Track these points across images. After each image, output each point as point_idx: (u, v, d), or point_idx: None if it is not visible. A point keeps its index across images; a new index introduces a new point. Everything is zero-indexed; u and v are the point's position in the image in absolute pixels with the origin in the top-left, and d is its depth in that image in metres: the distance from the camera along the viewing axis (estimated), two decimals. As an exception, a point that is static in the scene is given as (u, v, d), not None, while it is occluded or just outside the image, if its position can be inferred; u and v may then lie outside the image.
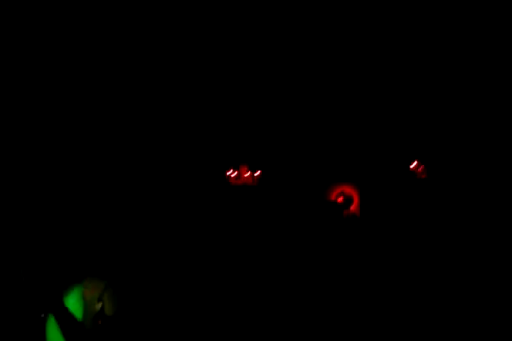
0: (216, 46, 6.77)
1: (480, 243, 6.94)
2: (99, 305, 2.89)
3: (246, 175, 7.71)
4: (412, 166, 7.44)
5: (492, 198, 7.10)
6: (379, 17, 6.20)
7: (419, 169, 7.42)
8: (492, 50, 6.45)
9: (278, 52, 6.86)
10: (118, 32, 6.44)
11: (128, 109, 7.24)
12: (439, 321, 6.14)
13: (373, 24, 6.35)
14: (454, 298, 6.23)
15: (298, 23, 6.37)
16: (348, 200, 7.64)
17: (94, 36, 6.46)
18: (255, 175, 7.74)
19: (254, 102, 7.67)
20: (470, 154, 7.32)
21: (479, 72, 6.77)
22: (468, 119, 7.20)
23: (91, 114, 7.20)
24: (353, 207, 7.63)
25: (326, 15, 6.19)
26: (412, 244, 7.25)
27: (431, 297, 6.41)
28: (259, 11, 6.10)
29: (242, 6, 6.02)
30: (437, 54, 6.76)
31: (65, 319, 2.78)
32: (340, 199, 7.69)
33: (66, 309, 2.80)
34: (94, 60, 6.73)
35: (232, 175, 7.74)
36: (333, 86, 7.34)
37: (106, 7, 6.10)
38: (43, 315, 2.89)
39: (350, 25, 6.40)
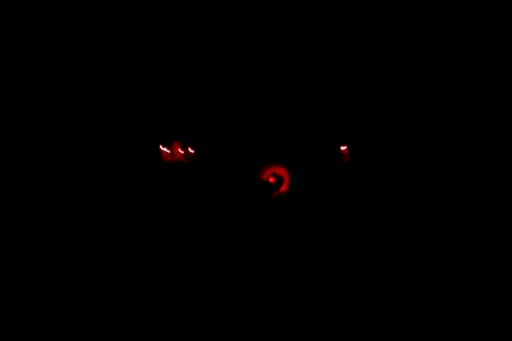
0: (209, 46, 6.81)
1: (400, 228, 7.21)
2: None
3: (179, 152, 7.72)
4: (342, 149, 7.63)
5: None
6: (379, 17, 6.32)
7: (347, 152, 7.62)
8: (492, 51, 6.66)
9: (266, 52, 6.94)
10: (118, 32, 6.41)
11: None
12: (433, 320, 6.35)
13: (373, 24, 6.47)
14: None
15: (298, 23, 6.45)
16: (279, 181, 7.77)
17: (94, 36, 6.42)
18: (188, 152, 7.76)
19: (194, 77, 7.70)
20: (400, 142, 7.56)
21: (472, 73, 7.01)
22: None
23: (88, 113, 7.15)
24: (283, 188, 7.76)
25: (326, 15, 6.28)
26: (339, 225, 7.46)
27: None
28: (259, 10, 6.15)
29: (242, 6, 6.06)
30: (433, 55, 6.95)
31: None
32: (271, 180, 7.81)
33: None
34: (94, 60, 6.70)
35: (165, 152, 7.73)
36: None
37: (106, 7, 6.06)
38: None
39: (350, 25, 6.51)
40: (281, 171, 7.86)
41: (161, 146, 7.71)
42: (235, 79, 7.73)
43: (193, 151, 7.78)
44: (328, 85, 7.59)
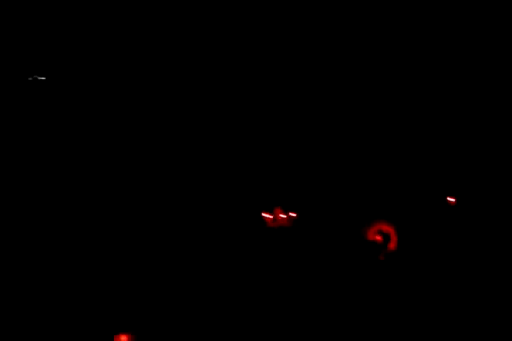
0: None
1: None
2: None
3: (281, 217, 7.70)
4: (448, 201, 7.41)
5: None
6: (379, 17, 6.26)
7: (454, 202, 7.39)
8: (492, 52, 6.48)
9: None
10: (118, 32, 6.47)
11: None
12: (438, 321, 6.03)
13: (373, 25, 6.41)
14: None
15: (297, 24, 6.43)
16: (386, 238, 7.57)
17: (94, 36, 6.49)
18: (290, 216, 7.72)
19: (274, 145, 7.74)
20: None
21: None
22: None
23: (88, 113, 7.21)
24: (391, 245, 7.54)
25: (325, 15, 6.25)
26: (452, 276, 7.16)
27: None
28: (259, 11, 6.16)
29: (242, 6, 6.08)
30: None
31: None
32: (378, 238, 7.61)
33: None
34: (94, 60, 6.75)
35: (268, 218, 7.73)
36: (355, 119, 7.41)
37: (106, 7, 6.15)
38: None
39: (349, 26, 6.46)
40: (387, 228, 7.66)
41: (263, 213, 7.71)
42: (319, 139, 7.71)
43: (294, 215, 7.73)
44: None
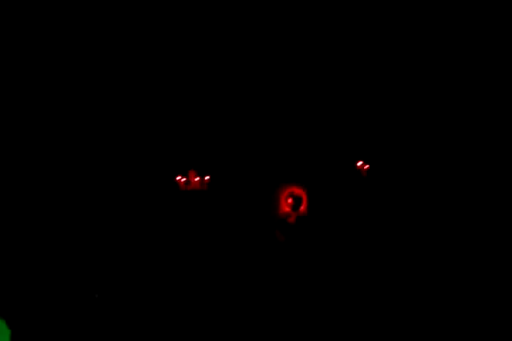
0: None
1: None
2: None
3: (196, 180, 7.73)
4: (358, 165, 7.59)
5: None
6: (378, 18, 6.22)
7: (365, 168, 7.57)
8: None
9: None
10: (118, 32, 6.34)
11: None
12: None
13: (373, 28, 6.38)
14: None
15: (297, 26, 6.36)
16: (298, 201, 7.74)
17: (94, 36, 6.35)
18: (205, 179, 7.77)
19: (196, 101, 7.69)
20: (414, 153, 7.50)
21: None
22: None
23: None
24: (302, 208, 7.74)
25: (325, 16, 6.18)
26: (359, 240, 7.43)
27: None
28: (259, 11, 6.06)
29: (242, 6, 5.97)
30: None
31: None
32: (289, 201, 7.78)
33: None
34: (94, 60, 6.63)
35: (182, 181, 7.75)
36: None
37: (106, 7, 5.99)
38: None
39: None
40: (299, 191, 7.83)
41: (177, 178, 7.72)
42: (244, 96, 7.69)
43: (208, 177, 7.78)
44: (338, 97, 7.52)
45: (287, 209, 7.80)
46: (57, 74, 6.96)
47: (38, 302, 6.50)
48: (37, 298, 6.54)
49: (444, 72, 7.09)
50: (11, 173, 7.13)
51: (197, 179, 7.76)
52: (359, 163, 7.59)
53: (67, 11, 6.64)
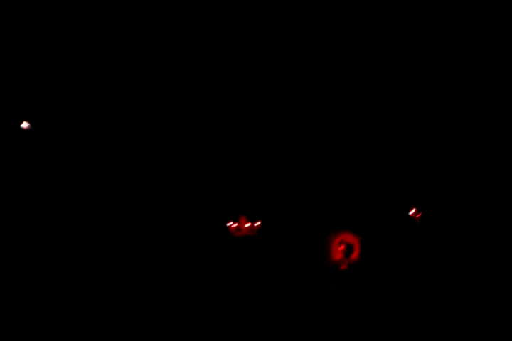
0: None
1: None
2: None
3: (246, 226, 7.72)
4: (410, 213, 7.52)
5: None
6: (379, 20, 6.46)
7: (418, 216, 7.49)
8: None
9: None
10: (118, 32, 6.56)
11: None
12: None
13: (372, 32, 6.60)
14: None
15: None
16: (350, 248, 7.57)
17: (94, 36, 6.57)
18: (255, 225, 7.75)
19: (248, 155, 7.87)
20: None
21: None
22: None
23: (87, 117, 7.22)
24: (354, 255, 7.54)
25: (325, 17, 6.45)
26: (415, 288, 7.13)
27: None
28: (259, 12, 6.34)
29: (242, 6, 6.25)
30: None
31: None
32: (341, 248, 7.61)
33: None
34: (94, 60, 6.80)
35: (233, 227, 7.75)
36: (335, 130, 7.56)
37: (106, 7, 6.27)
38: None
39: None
40: (351, 238, 7.69)
41: (228, 224, 7.74)
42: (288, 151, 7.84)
43: (259, 223, 7.76)
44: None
45: (339, 256, 7.60)
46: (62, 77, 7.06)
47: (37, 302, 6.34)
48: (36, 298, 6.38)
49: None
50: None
51: (247, 225, 7.75)
52: (412, 211, 7.52)
53: (67, 10, 6.70)
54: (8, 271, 6.70)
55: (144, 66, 7.01)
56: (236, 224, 7.72)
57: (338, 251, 7.68)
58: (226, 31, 6.65)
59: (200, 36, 6.72)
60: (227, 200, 7.77)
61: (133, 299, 7.00)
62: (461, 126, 7.46)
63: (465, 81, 6.99)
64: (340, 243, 7.67)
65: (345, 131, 7.66)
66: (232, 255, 7.70)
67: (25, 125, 6.83)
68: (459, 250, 7.23)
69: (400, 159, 7.64)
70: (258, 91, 7.18)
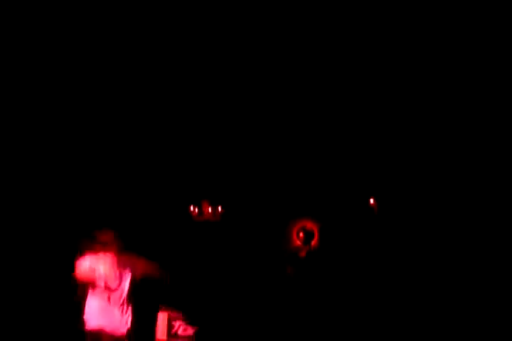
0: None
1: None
2: None
3: (208, 211, 7.66)
4: (370, 202, 7.71)
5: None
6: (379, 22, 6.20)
7: (376, 205, 7.71)
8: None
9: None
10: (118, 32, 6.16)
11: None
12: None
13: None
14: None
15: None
16: (309, 235, 7.80)
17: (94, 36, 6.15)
18: (217, 210, 7.70)
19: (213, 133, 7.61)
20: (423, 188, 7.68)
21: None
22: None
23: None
24: (313, 242, 7.80)
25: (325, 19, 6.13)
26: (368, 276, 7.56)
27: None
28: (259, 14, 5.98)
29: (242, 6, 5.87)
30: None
31: None
32: (301, 235, 7.82)
33: None
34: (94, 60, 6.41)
35: (195, 211, 7.66)
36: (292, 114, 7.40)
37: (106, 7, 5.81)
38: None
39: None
40: (311, 225, 7.89)
41: (191, 207, 7.62)
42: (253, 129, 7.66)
43: (220, 209, 7.72)
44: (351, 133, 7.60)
45: (299, 243, 7.84)
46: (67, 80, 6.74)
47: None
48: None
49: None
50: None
51: (209, 209, 7.68)
52: (371, 200, 7.70)
53: (67, 10, 6.36)
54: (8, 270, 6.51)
55: (144, 66, 6.47)
56: (197, 209, 7.65)
57: (297, 237, 7.91)
58: (226, 31, 6.15)
59: (200, 36, 6.20)
60: (190, 184, 7.58)
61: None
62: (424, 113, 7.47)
63: (461, 80, 6.92)
64: (300, 229, 7.89)
65: (311, 118, 7.46)
66: (193, 239, 7.72)
67: None
68: (416, 240, 7.60)
69: (364, 148, 7.63)
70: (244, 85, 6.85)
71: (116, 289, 4.81)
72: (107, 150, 7.19)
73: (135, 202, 7.40)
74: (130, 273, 4.92)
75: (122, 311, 4.83)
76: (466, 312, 6.83)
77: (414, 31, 6.52)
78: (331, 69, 6.85)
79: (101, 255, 4.82)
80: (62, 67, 6.50)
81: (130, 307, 4.90)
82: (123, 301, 4.84)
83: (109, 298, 4.77)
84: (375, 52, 6.67)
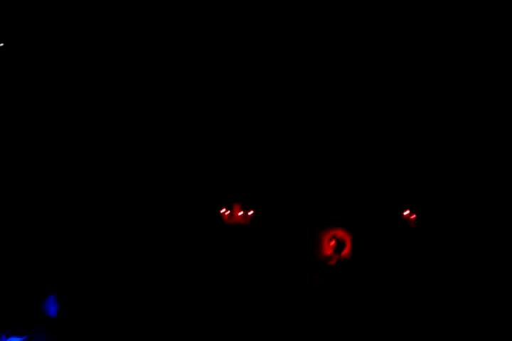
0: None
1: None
2: None
3: (239, 214, 7.50)
4: (404, 214, 7.56)
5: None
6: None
7: (411, 218, 7.56)
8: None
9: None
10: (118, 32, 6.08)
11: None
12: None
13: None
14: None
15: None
16: (341, 244, 7.62)
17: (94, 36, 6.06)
18: (248, 214, 7.55)
19: (248, 140, 7.51)
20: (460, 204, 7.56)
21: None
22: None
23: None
24: (345, 252, 7.63)
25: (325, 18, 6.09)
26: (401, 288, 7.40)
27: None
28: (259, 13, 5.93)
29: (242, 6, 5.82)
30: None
31: None
32: (332, 243, 7.65)
33: None
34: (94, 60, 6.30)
35: (226, 214, 7.50)
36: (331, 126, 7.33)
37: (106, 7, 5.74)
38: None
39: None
40: (342, 234, 7.71)
41: (221, 211, 7.48)
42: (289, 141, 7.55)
43: (252, 212, 7.56)
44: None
45: (329, 251, 7.66)
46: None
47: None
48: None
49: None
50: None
51: (241, 213, 7.52)
52: (406, 212, 7.56)
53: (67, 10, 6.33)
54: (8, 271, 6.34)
55: (144, 66, 6.36)
56: (229, 212, 7.48)
57: (328, 246, 7.73)
58: (226, 31, 6.09)
59: (200, 36, 6.14)
60: (222, 188, 7.43)
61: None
62: (459, 128, 7.39)
63: (463, 81, 6.86)
64: (332, 238, 7.70)
65: (345, 128, 7.38)
66: (223, 242, 7.56)
67: None
68: (452, 253, 7.46)
69: (399, 160, 7.52)
70: (255, 86, 6.76)
71: None
72: (142, 153, 7.08)
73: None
74: None
75: None
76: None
77: (414, 31, 6.46)
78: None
79: None
80: (62, 67, 6.41)
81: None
82: None
83: None
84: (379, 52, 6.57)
